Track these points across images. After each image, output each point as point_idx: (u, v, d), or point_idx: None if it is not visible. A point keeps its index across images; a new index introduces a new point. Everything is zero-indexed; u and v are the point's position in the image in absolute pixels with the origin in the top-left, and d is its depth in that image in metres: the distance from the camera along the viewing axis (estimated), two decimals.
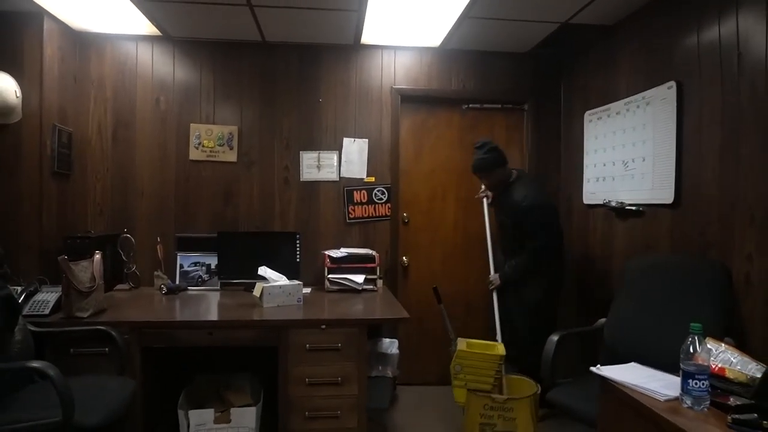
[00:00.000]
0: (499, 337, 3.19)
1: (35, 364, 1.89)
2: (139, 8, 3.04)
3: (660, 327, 2.32)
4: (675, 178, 2.63)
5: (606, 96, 3.27)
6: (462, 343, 2.89)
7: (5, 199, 3.04)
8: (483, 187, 3.45)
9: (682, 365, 1.60)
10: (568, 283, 3.61)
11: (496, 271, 3.35)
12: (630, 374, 1.86)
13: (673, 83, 2.64)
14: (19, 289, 2.68)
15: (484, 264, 3.46)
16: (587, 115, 3.47)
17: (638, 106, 2.94)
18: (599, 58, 3.39)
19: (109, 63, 3.55)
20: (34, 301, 2.64)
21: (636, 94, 2.95)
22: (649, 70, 2.88)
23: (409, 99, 3.81)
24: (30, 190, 3.07)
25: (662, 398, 1.65)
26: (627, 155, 3.03)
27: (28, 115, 3.05)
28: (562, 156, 3.88)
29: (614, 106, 3.17)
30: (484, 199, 3.46)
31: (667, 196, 2.67)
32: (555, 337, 2.50)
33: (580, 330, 2.93)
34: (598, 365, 1.94)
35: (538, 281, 3.15)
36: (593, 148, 3.41)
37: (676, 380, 1.68)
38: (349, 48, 3.71)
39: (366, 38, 3.56)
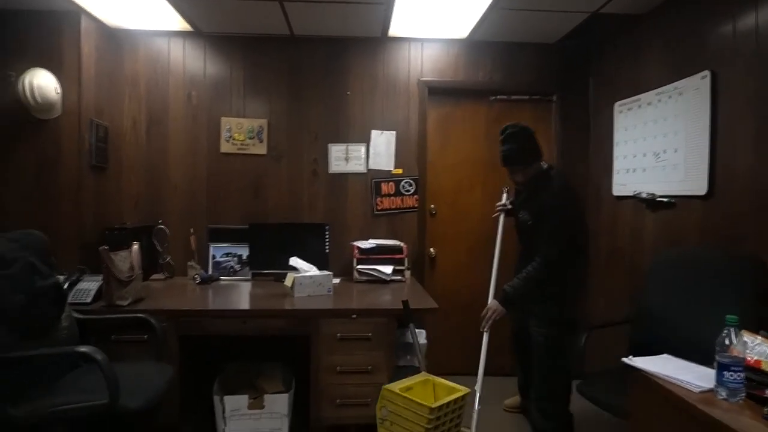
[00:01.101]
0: (478, 386, 2.67)
1: (83, 348, 1.98)
2: (171, 4, 3.11)
3: (692, 319, 2.31)
4: (708, 169, 2.60)
5: (636, 86, 3.23)
6: (399, 384, 2.22)
7: (47, 192, 3.15)
8: (504, 197, 3.13)
9: (717, 357, 1.61)
10: (596, 275, 3.60)
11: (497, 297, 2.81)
12: (663, 366, 1.86)
13: (707, 73, 2.60)
14: (62, 278, 2.79)
15: (513, 256, 3.45)
16: (617, 106, 3.44)
17: (670, 97, 2.90)
18: (628, 48, 3.35)
19: (142, 59, 3.63)
20: (77, 290, 2.74)
21: (667, 84, 2.91)
22: (681, 59, 2.84)
23: (435, 91, 3.82)
24: (69, 183, 3.17)
25: (696, 389, 1.65)
26: (658, 146, 3.00)
27: (67, 111, 3.15)
28: (591, 147, 3.85)
29: (645, 96, 3.13)
30: (501, 215, 3.09)
31: (699, 187, 2.64)
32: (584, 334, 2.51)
33: (609, 322, 2.92)
34: (630, 357, 1.95)
35: (555, 295, 2.69)
36: (623, 140, 3.38)
37: (710, 372, 1.68)
38: (376, 41, 3.73)
39: (393, 31, 3.57)
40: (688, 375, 1.75)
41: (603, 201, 3.65)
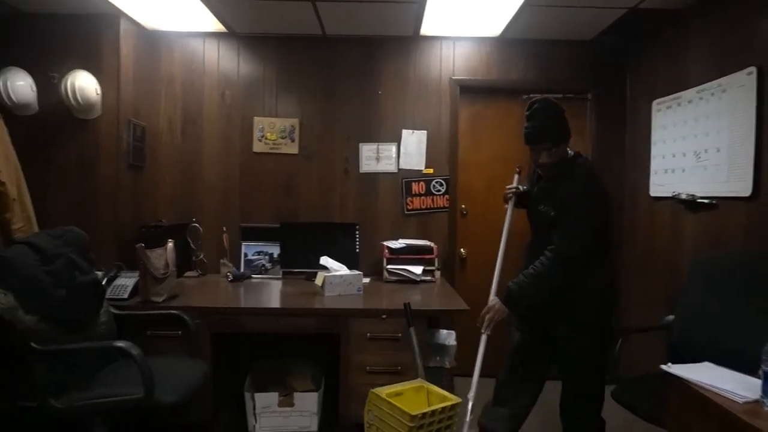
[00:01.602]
0: (472, 393, 2.34)
1: (120, 343, 2.04)
2: (207, 6, 3.16)
3: (735, 326, 2.22)
4: (753, 170, 2.49)
5: (676, 84, 3.13)
6: (389, 389, 2.08)
7: (86, 190, 3.25)
8: (515, 179, 2.72)
9: (763, 366, 1.54)
10: (631, 278, 3.51)
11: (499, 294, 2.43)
12: (703, 374, 1.79)
13: (753, 69, 2.49)
14: (100, 273, 2.87)
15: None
16: (655, 104, 3.34)
17: (713, 94, 2.80)
18: (668, 45, 3.25)
19: (178, 60, 3.71)
20: (115, 286, 2.82)
21: (710, 81, 2.81)
22: (724, 55, 2.74)
23: (467, 89, 3.78)
24: (108, 182, 3.26)
25: (740, 400, 1.59)
26: (699, 146, 2.90)
27: (106, 111, 3.24)
28: (627, 147, 3.75)
29: (685, 94, 3.03)
30: (511, 201, 2.68)
31: (743, 188, 2.54)
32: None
33: (646, 327, 2.84)
34: (669, 363, 1.89)
35: (591, 296, 2.32)
36: (661, 139, 3.28)
37: (755, 382, 1.61)
38: (408, 39, 3.71)
39: (425, 29, 3.55)
40: (731, 384, 1.67)
41: (639, 201, 3.55)
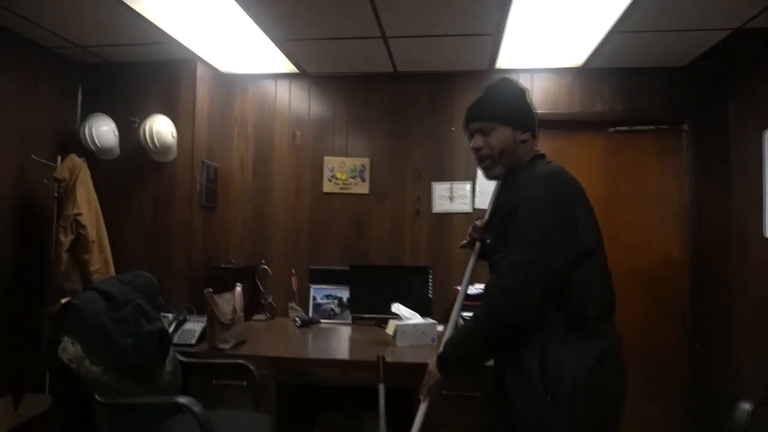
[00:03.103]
0: None
1: (182, 399, 1.93)
2: (280, 49, 3.16)
3: None
4: None
5: None
6: None
7: (161, 232, 3.28)
8: (475, 224, 2.04)
9: None
10: (743, 335, 3.06)
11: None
12: None
13: None
14: (171, 316, 2.84)
15: (644, 308, 3.03)
16: (767, 134, 2.95)
17: None
18: None
19: (250, 101, 3.74)
20: (183, 330, 2.76)
21: None
22: None
23: (547, 124, 3.51)
24: (181, 223, 3.28)
25: None
26: None
27: (181, 154, 3.29)
28: (733, 181, 3.33)
29: None
30: (477, 244, 2.04)
31: None
32: (747, 406, 2.02)
33: None
34: None
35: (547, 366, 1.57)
36: None
37: None
38: (483, 73, 3.55)
39: (501, 62, 3.38)
40: None
41: (750, 242, 3.11)
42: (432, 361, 1.81)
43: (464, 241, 2.08)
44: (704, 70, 3.35)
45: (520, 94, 1.81)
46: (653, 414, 3.37)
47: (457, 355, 1.72)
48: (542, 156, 1.82)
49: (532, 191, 1.61)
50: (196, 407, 1.88)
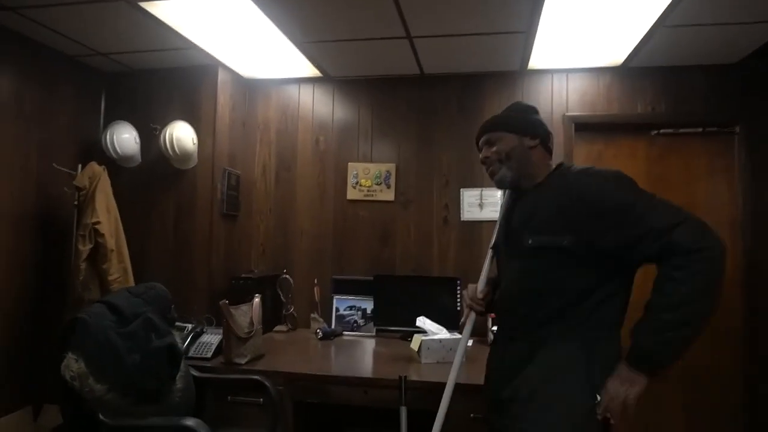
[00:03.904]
0: None
1: (189, 422, 1.81)
2: (302, 52, 3.06)
3: None
4: None
5: None
6: None
7: (182, 241, 3.21)
8: (481, 281, 1.90)
9: None
10: None
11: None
12: None
13: None
14: (189, 327, 2.75)
15: None
16: None
17: None
18: None
19: (273, 107, 3.65)
20: (199, 343, 2.67)
21: None
22: None
23: (584, 127, 3.33)
24: (202, 231, 3.20)
25: None
26: None
27: (202, 161, 3.21)
28: None
29: None
30: (471, 316, 1.89)
31: None
32: None
33: None
34: None
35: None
36: None
37: None
38: (514, 74, 3.37)
39: (534, 62, 3.19)
40: None
41: None
42: (621, 374, 1.48)
43: (463, 319, 1.94)
44: (757, 67, 3.09)
45: (530, 110, 1.81)
46: None
47: (675, 344, 1.42)
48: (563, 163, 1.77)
49: (604, 173, 1.58)
50: (203, 430, 1.76)
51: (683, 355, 1.43)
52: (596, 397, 1.49)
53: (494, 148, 1.72)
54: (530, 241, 1.60)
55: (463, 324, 1.91)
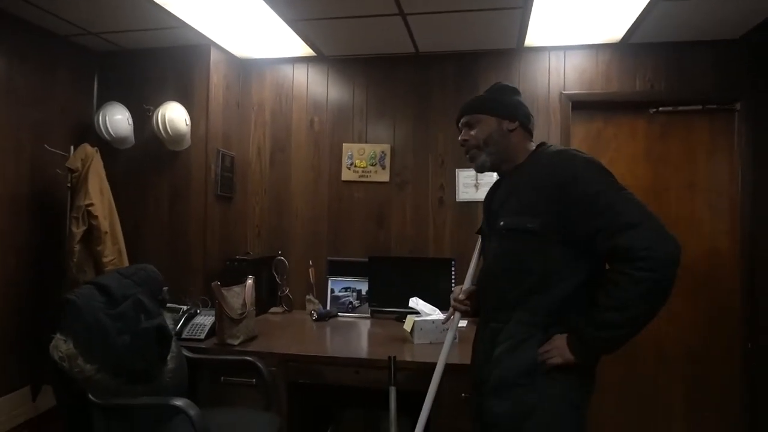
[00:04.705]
0: None
1: (178, 402, 1.82)
2: (294, 30, 3.01)
3: None
4: None
5: None
6: None
7: (177, 222, 3.21)
8: (466, 282, 1.92)
9: None
10: None
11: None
12: None
13: None
14: (184, 308, 2.76)
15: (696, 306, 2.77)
16: None
17: None
18: None
19: (268, 87, 3.61)
20: (193, 324, 2.68)
21: None
22: None
23: (582, 105, 3.28)
24: (197, 213, 3.19)
25: None
26: None
27: (195, 142, 3.19)
28: None
29: None
30: (455, 314, 1.92)
31: None
32: None
33: None
34: None
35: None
36: None
37: None
38: (511, 52, 3.31)
39: (531, 39, 3.13)
40: None
41: None
42: (561, 338, 1.54)
43: (444, 317, 2.01)
44: (760, 43, 3.01)
45: (510, 91, 1.78)
46: (702, 424, 3.10)
47: (614, 335, 1.46)
48: (544, 143, 1.76)
49: (579, 158, 1.57)
50: (193, 410, 1.77)
51: (618, 349, 1.50)
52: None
53: (473, 132, 1.72)
54: (501, 223, 1.64)
55: (445, 322, 1.96)
